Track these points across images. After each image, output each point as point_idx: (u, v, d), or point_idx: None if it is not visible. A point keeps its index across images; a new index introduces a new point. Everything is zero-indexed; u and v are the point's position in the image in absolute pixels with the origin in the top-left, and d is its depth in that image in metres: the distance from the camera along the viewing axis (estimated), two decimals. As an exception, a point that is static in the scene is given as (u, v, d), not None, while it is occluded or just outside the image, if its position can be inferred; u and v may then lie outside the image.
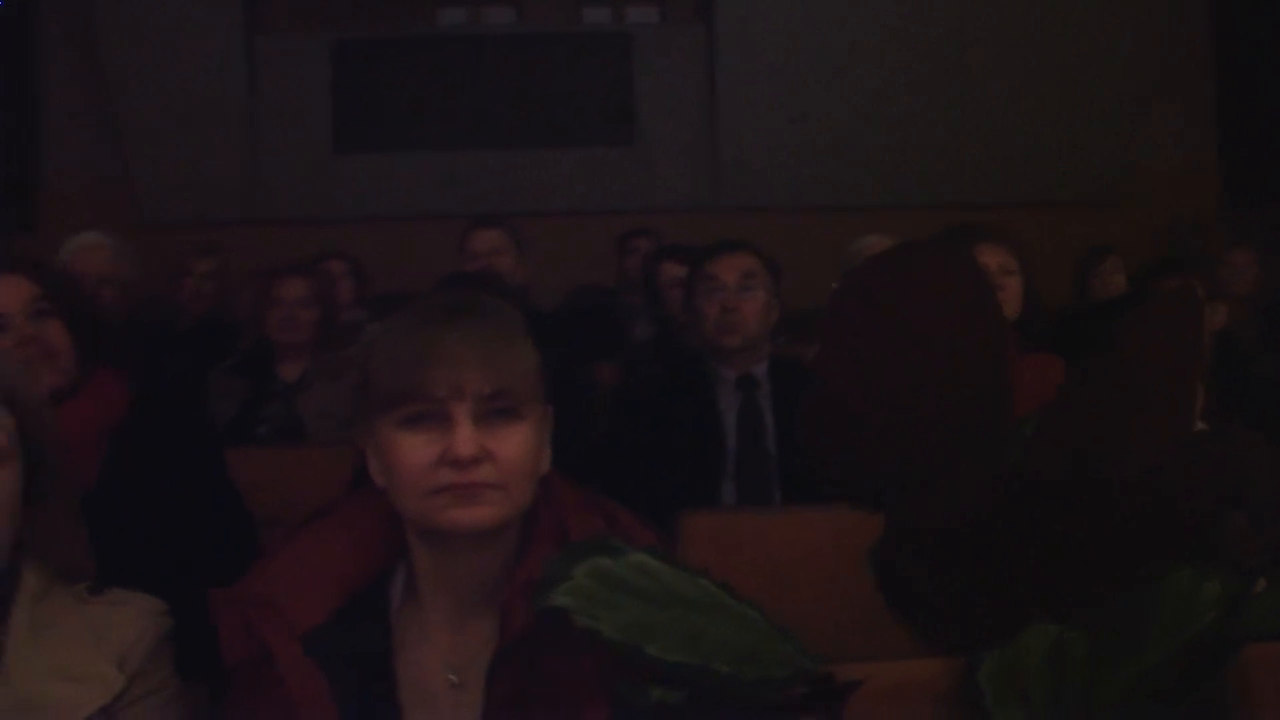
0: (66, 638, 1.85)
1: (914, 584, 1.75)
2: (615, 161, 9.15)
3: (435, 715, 1.77)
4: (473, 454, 1.67)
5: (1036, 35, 8.73)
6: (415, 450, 1.70)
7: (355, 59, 9.27)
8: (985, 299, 1.59)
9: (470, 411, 1.69)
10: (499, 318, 1.77)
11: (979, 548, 1.66)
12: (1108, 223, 8.16)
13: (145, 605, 1.92)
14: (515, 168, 8.95)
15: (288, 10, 9.29)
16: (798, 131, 8.82)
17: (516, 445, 1.71)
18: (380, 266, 6.54)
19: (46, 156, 9.24)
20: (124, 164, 9.06)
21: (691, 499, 3.37)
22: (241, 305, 5.90)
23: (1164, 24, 8.83)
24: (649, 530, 1.81)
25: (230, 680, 1.84)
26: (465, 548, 1.75)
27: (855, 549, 2.03)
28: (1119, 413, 1.33)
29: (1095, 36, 8.72)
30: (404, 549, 1.82)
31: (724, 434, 3.78)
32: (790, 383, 3.81)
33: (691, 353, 3.92)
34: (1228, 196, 9.05)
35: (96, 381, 2.80)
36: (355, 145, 9.16)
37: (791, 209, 8.60)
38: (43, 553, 1.92)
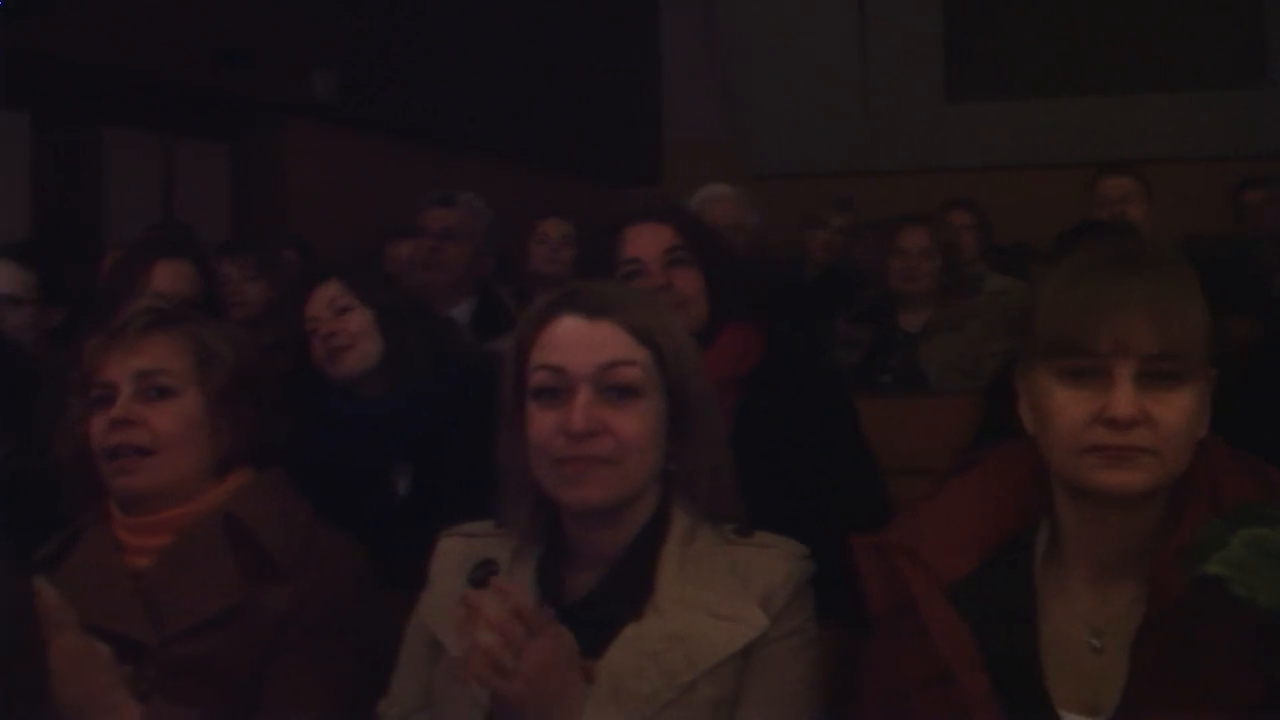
0: (714, 577, 1.92)
1: None
2: (1242, 104, 8.70)
3: (1076, 677, 1.74)
4: (1131, 416, 1.62)
5: None
6: (1071, 405, 1.67)
7: (967, 7, 9.24)
8: None
9: (1133, 372, 1.64)
10: (1172, 272, 1.70)
11: None
12: None
13: (790, 549, 1.97)
14: (1133, 113, 8.66)
15: (897, -40, 9.36)
16: None
17: (1178, 410, 1.65)
18: (994, 216, 6.47)
19: (666, 113, 9.69)
20: (737, 118, 9.38)
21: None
22: (864, 255, 6.01)
23: None
24: (1309, 498, 1.72)
25: (869, 627, 1.88)
26: (1113, 509, 1.71)
27: None
28: None
29: None
30: (1049, 504, 1.80)
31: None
32: None
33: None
34: None
35: (728, 332, 2.84)
36: (968, 94, 9.13)
37: None
38: (690, 493, 1.99)
